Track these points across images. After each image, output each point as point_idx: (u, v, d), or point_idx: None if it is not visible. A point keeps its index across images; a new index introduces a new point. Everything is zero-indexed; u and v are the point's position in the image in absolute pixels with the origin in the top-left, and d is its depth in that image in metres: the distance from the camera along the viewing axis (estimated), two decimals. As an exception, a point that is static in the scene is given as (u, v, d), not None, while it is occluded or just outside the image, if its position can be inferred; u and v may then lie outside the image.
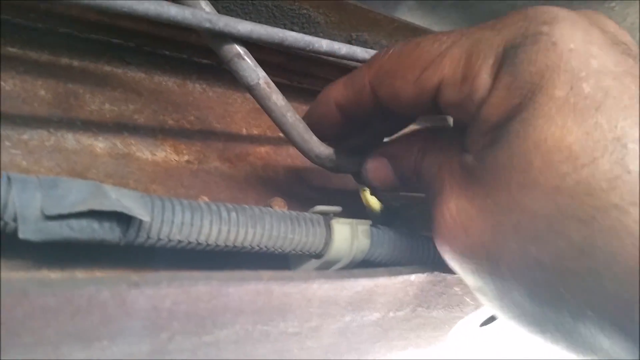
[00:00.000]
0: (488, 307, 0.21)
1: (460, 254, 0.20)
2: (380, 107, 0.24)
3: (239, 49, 0.24)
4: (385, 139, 0.29)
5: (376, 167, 0.26)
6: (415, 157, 0.24)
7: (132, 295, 0.15)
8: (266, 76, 0.25)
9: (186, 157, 0.29)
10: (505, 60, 0.19)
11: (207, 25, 0.22)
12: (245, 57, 0.24)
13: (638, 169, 0.16)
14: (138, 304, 0.15)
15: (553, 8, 0.19)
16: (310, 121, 0.27)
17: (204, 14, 0.22)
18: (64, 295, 0.14)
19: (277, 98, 0.25)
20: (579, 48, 0.18)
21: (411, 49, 0.22)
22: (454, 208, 0.20)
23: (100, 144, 0.26)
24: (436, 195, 0.22)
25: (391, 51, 0.23)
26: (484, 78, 0.19)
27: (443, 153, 0.23)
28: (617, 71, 0.18)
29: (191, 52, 0.32)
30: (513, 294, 0.19)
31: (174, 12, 0.22)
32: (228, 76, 0.33)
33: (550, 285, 0.18)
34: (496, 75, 0.19)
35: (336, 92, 0.26)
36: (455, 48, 0.20)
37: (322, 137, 0.27)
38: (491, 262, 0.19)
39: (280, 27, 0.26)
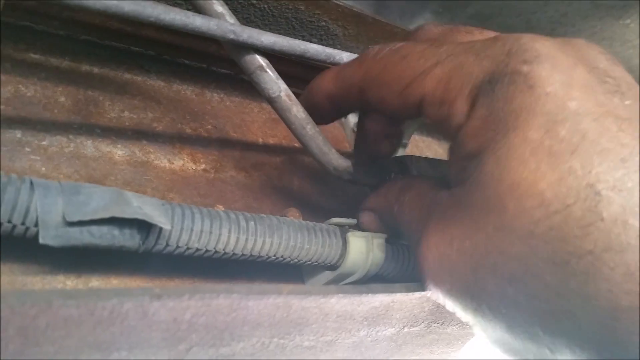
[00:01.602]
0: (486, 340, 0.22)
1: (448, 294, 0.21)
2: (368, 105, 0.24)
3: (262, 61, 0.24)
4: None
5: (366, 221, 0.27)
6: (395, 208, 0.25)
7: (154, 307, 0.15)
8: (287, 88, 0.25)
9: (203, 166, 0.29)
10: (482, 92, 0.19)
11: (231, 36, 0.23)
12: (268, 70, 0.24)
13: (611, 216, 0.15)
14: (159, 315, 0.15)
15: (538, 44, 0.19)
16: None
17: (229, 26, 0.23)
18: (87, 307, 0.14)
19: (297, 110, 0.25)
20: (556, 91, 0.18)
21: (398, 60, 0.22)
22: (436, 251, 0.21)
23: (119, 152, 0.26)
24: (419, 239, 0.22)
25: (380, 55, 0.23)
26: (461, 105, 0.20)
27: (420, 199, 0.24)
28: (598, 112, 0.17)
29: (210, 62, 0.32)
30: (497, 332, 0.19)
31: (199, 22, 0.22)
32: (245, 86, 0.33)
33: (528, 325, 0.18)
34: (472, 105, 0.19)
35: (327, 84, 0.26)
36: (437, 68, 0.21)
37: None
38: (475, 302, 0.19)
39: (299, 39, 0.26)
